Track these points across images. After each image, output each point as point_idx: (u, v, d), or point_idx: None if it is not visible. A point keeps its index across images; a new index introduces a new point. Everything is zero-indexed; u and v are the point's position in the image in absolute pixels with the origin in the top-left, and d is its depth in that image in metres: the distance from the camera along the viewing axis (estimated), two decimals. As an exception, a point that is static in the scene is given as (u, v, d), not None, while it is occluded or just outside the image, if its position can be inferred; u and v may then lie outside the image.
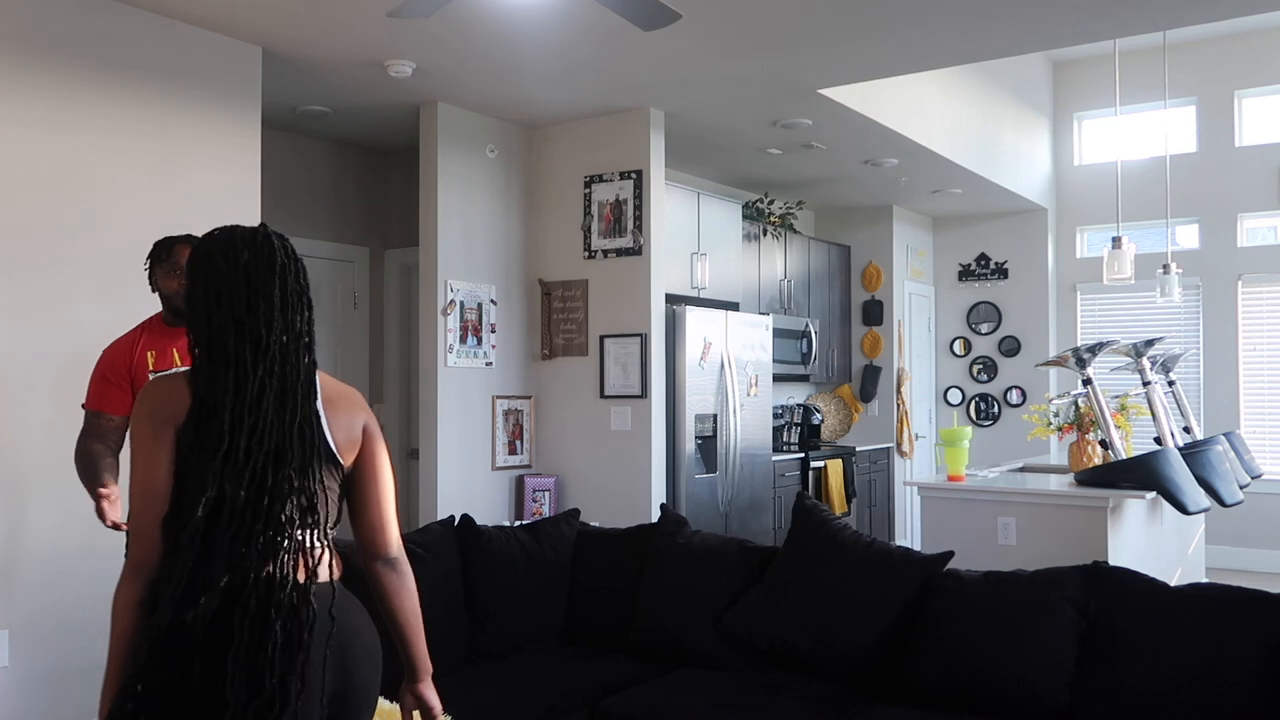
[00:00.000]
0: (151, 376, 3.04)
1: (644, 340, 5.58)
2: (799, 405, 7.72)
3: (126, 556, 1.76)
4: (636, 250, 5.63)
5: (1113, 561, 3.91)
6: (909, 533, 8.44)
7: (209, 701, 1.66)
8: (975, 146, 7.31)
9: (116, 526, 3.05)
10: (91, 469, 3.10)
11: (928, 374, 9.16)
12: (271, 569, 1.72)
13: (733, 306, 6.61)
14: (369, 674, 1.88)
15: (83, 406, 3.19)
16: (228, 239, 1.82)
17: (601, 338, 5.71)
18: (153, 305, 4.12)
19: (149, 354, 3.16)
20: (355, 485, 1.95)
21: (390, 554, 2.01)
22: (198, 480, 1.71)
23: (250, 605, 1.68)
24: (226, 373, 1.75)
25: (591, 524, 4.09)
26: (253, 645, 1.67)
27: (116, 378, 3.14)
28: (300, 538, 1.77)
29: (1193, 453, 5.11)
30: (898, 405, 8.48)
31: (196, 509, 1.69)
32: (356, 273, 6.43)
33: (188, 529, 1.69)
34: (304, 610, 1.73)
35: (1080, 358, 5.00)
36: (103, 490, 3.06)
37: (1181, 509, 4.59)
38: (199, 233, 4.35)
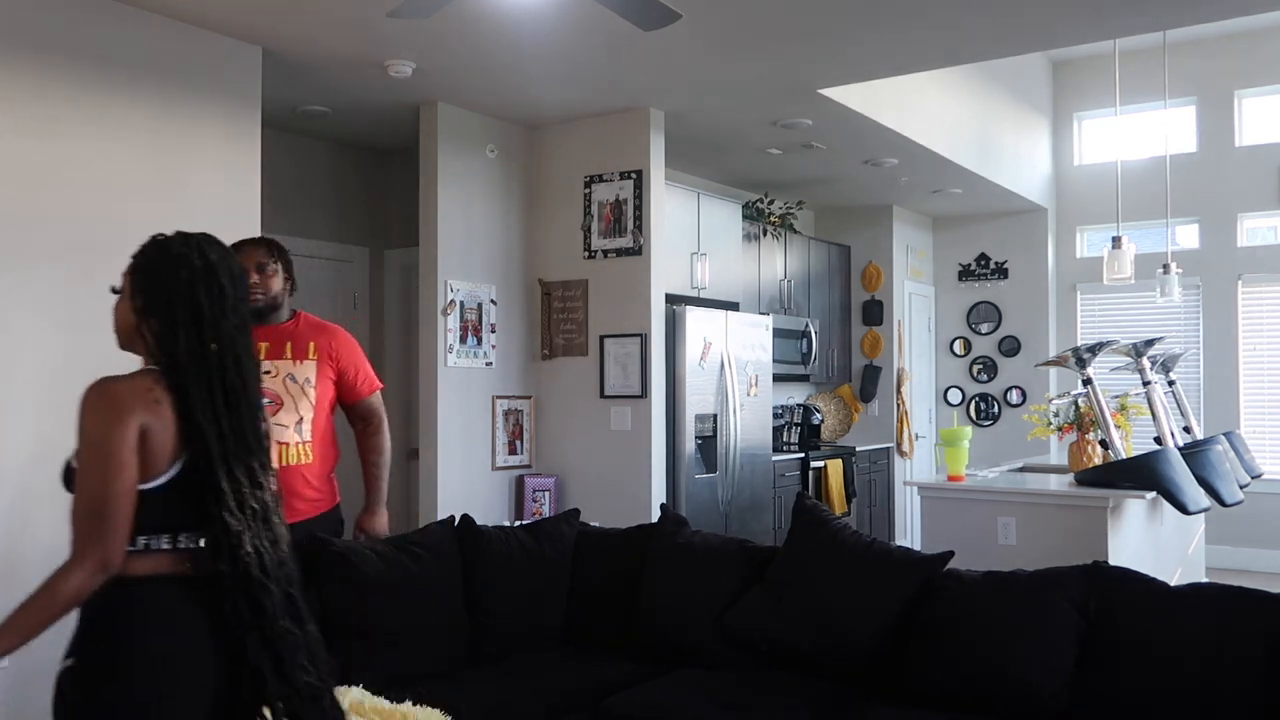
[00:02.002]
0: None
1: (644, 340, 5.58)
2: (799, 405, 7.72)
3: (79, 550, 1.82)
4: (636, 250, 5.63)
5: (1113, 561, 3.91)
6: (909, 533, 8.44)
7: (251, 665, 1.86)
8: (975, 146, 7.31)
9: None
10: None
11: (928, 374, 9.16)
12: (260, 545, 1.92)
13: (733, 306, 6.61)
14: None
15: None
16: (210, 245, 2.01)
17: (601, 338, 5.71)
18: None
19: None
20: None
21: None
22: (194, 473, 1.87)
23: (268, 579, 1.89)
24: (207, 375, 1.89)
25: (591, 524, 4.08)
26: (283, 616, 1.90)
27: None
28: (275, 518, 1.97)
29: (1193, 453, 5.11)
30: (898, 405, 8.48)
31: (206, 500, 1.86)
32: (356, 273, 6.43)
33: (213, 514, 1.86)
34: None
35: (1080, 358, 5.00)
36: None
37: (1181, 509, 4.59)
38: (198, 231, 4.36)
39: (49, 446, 3.78)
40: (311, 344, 3.40)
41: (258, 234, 4.48)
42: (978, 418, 8.96)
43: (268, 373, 3.25)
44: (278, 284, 3.37)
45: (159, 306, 1.93)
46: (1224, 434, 5.99)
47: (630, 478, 5.59)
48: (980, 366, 9.02)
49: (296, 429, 3.32)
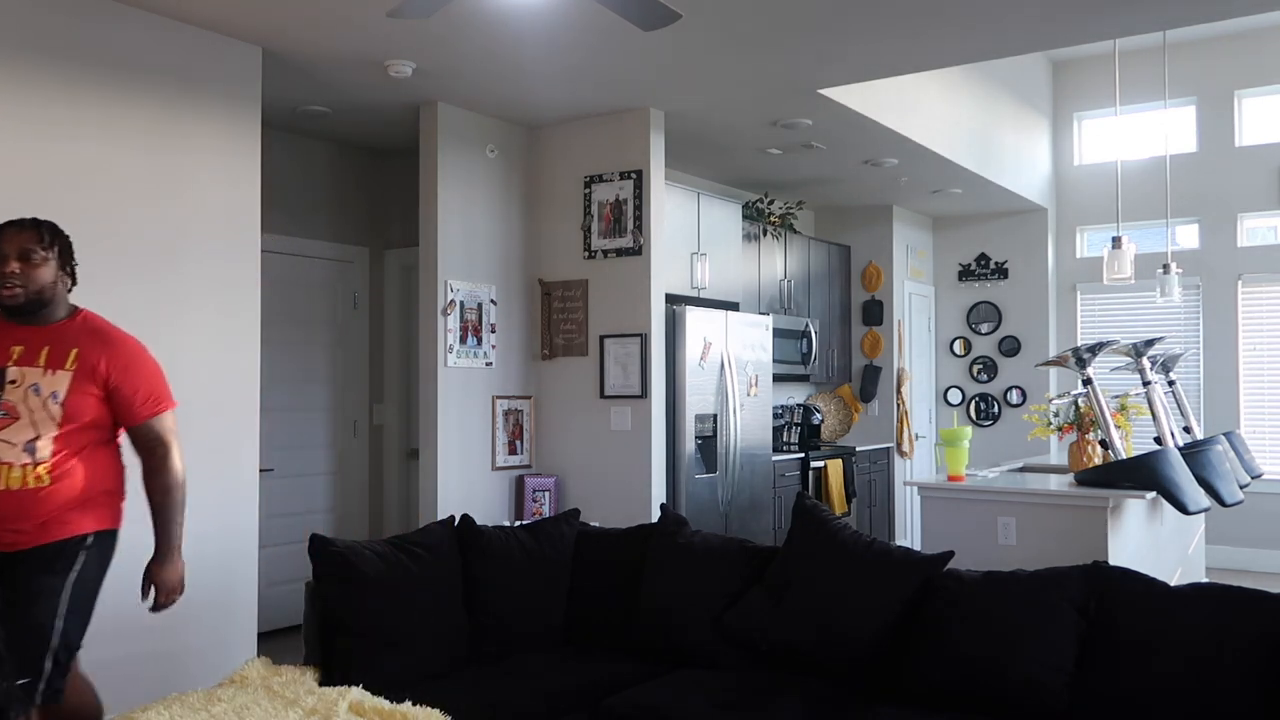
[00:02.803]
0: None
1: (644, 340, 5.58)
2: (799, 405, 7.72)
3: None
4: (636, 250, 5.63)
5: (1113, 561, 3.91)
6: (909, 533, 8.44)
7: None
8: (975, 146, 7.31)
9: None
10: None
11: (928, 374, 9.16)
12: None
13: (733, 306, 6.61)
14: None
15: None
16: None
17: (601, 338, 5.71)
18: (152, 301, 4.12)
19: None
20: None
21: None
22: None
23: None
24: None
25: (591, 524, 4.08)
26: None
27: None
28: None
29: (1193, 453, 5.11)
30: (898, 405, 8.48)
31: None
32: (356, 273, 6.43)
33: None
34: None
35: (1080, 358, 5.00)
36: None
37: (1181, 509, 4.59)
38: (199, 232, 4.35)
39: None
40: (73, 351, 2.89)
41: (257, 234, 4.48)
42: (978, 418, 8.96)
43: (13, 381, 2.82)
44: (47, 275, 2.88)
45: None
46: (1224, 434, 5.98)
47: (630, 478, 5.60)
48: (980, 366, 9.02)
49: (27, 449, 2.80)
